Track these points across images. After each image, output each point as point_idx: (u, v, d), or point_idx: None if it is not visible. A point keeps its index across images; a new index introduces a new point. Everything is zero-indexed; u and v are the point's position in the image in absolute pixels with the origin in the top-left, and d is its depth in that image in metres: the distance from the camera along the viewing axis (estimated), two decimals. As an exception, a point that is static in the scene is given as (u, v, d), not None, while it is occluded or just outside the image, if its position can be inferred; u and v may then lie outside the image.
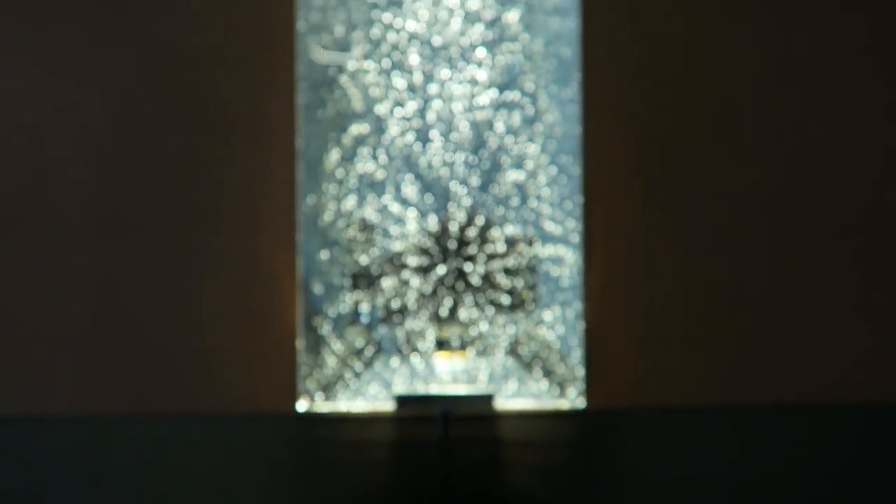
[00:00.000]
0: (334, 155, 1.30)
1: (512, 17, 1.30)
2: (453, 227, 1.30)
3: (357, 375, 1.30)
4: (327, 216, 1.30)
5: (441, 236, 1.30)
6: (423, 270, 1.29)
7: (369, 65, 1.31)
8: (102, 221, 1.35)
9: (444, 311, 1.29)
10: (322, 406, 1.30)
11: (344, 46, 1.30)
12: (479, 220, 1.30)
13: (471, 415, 1.31)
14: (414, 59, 1.30)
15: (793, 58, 1.36)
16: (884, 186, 1.35)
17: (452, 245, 1.30)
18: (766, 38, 1.36)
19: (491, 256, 1.30)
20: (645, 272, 1.35)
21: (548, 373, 1.31)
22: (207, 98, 1.36)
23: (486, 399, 1.28)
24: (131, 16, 1.36)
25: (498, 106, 1.30)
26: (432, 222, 1.30)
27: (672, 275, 1.35)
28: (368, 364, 1.30)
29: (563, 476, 1.32)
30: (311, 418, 1.32)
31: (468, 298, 1.30)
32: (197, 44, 1.36)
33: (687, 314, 1.35)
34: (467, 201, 1.30)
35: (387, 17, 1.30)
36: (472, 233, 1.30)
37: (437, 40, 1.30)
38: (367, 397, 1.30)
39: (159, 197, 1.35)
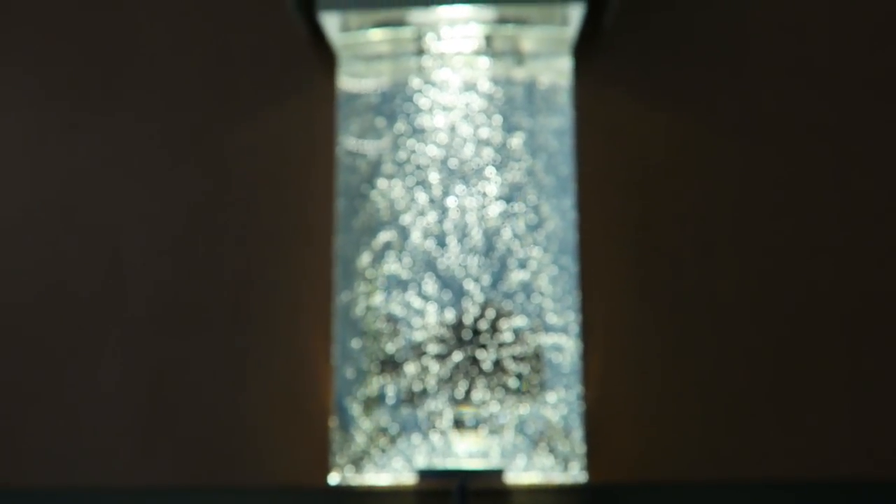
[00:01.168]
0: (365, 258, 1.47)
1: (516, 141, 1.48)
2: (467, 320, 1.44)
3: (383, 451, 1.42)
4: (359, 310, 1.46)
5: (457, 328, 1.44)
6: (442, 357, 1.43)
7: (396, 182, 1.49)
8: (164, 315, 1.52)
9: (459, 394, 1.43)
10: (352, 479, 1.42)
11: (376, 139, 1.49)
12: (490, 314, 1.44)
13: (484, 487, 1.42)
14: (434, 177, 1.48)
15: (764, 170, 1.51)
16: (854, 283, 1.48)
17: (467, 335, 1.44)
18: (740, 154, 1.52)
19: (500, 345, 1.43)
20: (638, 358, 1.47)
21: (552, 449, 1.42)
22: (259, 210, 1.53)
23: (498, 473, 1.38)
24: (200, 141, 1.56)
25: (506, 216, 1.46)
26: (449, 316, 1.44)
27: (663, 360, 1.47)
28: (393, 441, 1.43)
29: (568, 545, 1.41)
30: (342, 491, 1.43)
31: (481, 382, 1.43)
32: (252, 165, 1.55)
33: (678, 396, 1.46)
34: (480, 297, 1.45)
35: (411, 142, 1.49)
36: (483, 325, 1.44)
37: (453, 162, 1.48)
38: (392, 471, 1.42)
39: (214, 294, 1.51)
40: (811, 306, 1.48)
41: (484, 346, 1.43)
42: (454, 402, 1.43)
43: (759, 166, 1.52)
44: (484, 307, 1.44)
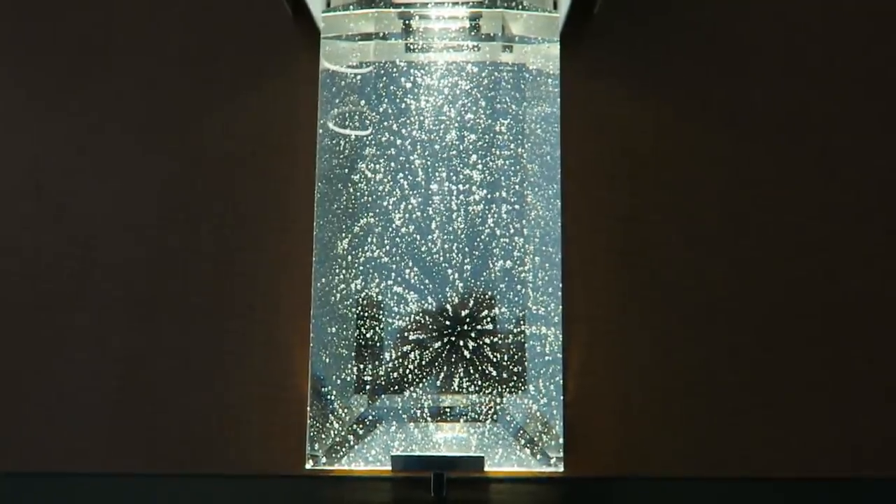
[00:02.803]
0: (345, 242, 1.45)
1: (500, 126, 1.47)
2: (448, 307, 1.43)
3: (360, 439, 1.41)
4: (337, 296, 1.44)
5: (437, 315, 1.42)
6: (421, 345, 1.42)
7: (378, 165, 1.47)
8: (139, 299, 1.49)
9: (439, 382, 1.41)
10: (327, 467, 1.41)
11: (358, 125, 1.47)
12: (472, 302, 1.43)
13: (462, 476, 1.41)
14: (417, 161, 1.46)
15: (754, 164, 1.50)
16: (843, 279, 1.47)
17: (447, 323, 1.42)
18: (730, 146, 1.51)
19: (481, 334, 1.42)
20: (622, 350, 1.46)
21: (531, 440, 1.41)
22: (237, 195, 1.51)
23: (478, 460, 1.37)
24: (176, 128, 1.54)
25: (489, 202, 1.45)
26: (430, 303, 1.43)
27: (646, 352, 1.46)
28: (370, 428, 1.41)
29: (545, 536, 1.42)
30: (318, 478, 1.42)
31: (461, 371, 1.42)
32: (229, 150, 1.52)
33: (660, 389, 1.45)
34: (461, 285, 1.43)
35: (395, 126, 1.47)
36: (464, 312, 1.42)
37: (436, 146, 1.46)
38: (369, 459, 1.40)
39: (191, 279, 1.49)
40: (799, 301, 1.47)
41: (464, 335, 1.42)
42: (433, 390, 1.41)
43: (749, 159, 1.51)
44: (465, 295, 1.43)
